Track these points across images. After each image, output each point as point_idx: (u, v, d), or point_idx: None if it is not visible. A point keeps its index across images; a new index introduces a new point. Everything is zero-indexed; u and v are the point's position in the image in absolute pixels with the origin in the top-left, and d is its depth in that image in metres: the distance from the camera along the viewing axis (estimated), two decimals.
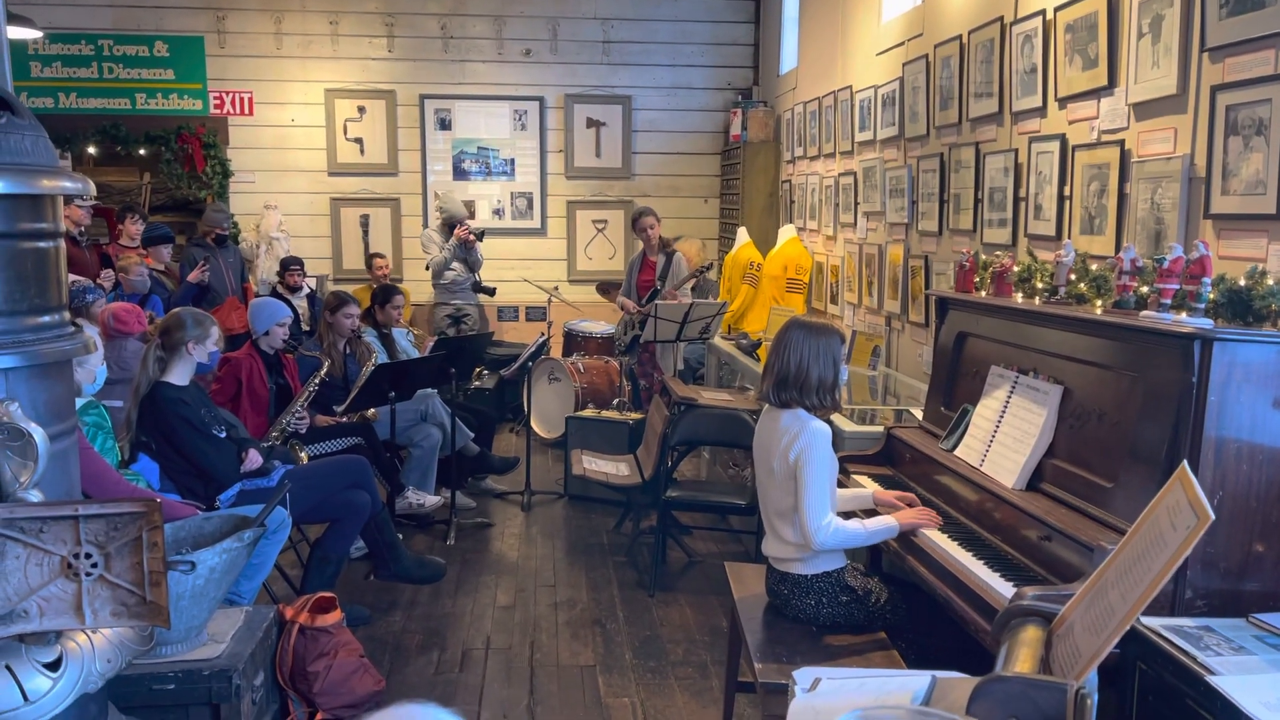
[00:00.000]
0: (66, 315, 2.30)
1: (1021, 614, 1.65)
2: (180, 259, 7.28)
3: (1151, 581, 1.26)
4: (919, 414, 3.91)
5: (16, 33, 6.44)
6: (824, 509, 2.85)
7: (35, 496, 2.07)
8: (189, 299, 6.40)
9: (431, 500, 5.43)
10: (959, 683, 1.48)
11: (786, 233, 7.23)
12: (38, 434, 2.04)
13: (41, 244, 2.18)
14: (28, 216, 2.13)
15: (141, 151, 8.64)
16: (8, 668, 2.04)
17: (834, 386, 2.98)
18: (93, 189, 2.31)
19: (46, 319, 2.19)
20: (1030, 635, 1.54)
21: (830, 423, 3.09)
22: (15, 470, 2.05)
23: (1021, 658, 1.44)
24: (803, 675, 1.93)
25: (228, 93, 8.64)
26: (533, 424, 6.96)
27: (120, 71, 8.50)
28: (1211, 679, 1.85)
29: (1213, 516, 1.23)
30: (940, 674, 1.56)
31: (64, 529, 2.04)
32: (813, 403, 2.97)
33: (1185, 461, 1.43)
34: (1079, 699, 1.22)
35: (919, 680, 1.51)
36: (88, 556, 2.04)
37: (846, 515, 3.07)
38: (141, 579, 2.07)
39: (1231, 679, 1.85)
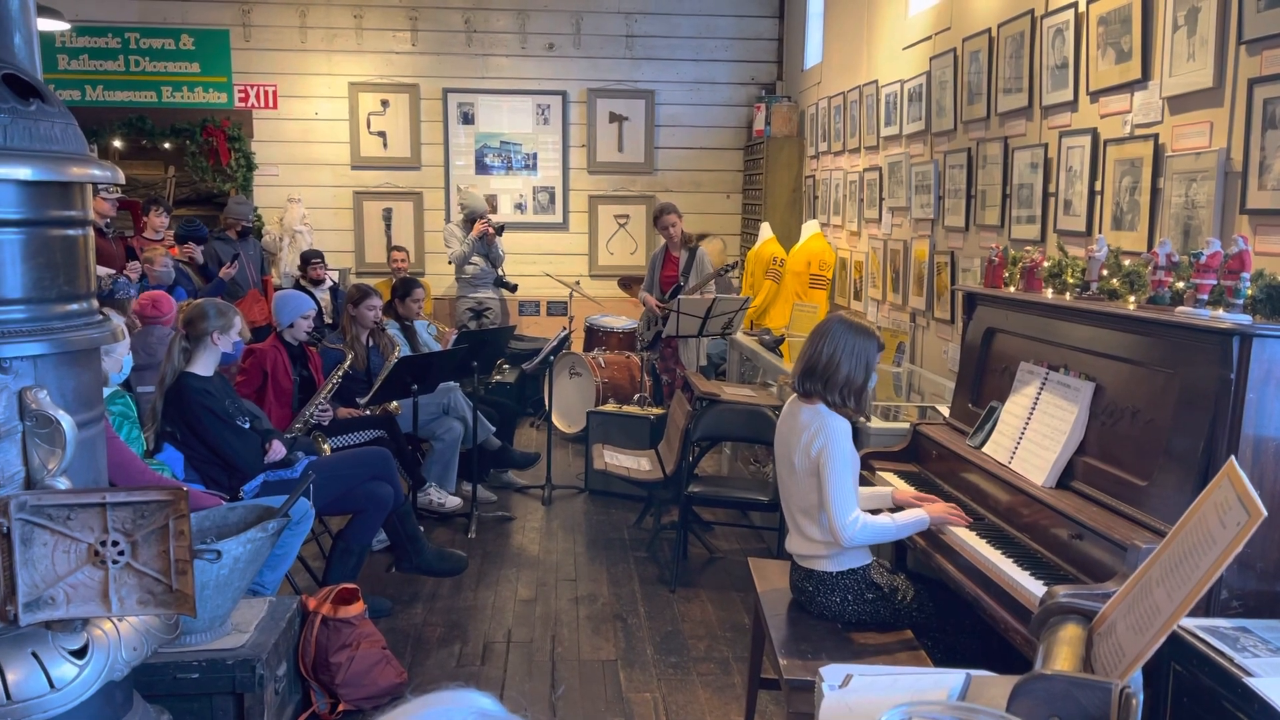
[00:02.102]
0: (94, 303, 2.30)
1: (1061, 611, 1.62)
2: (205, 251, 7.31)
3: (1200, 579, 1.23)
4: (944, 411, 3.87)
5: (44, 25, 6.48)
6: (850, 504, 2.82)
7: (63, 484, 2.07)
8: (217, 295, 6.43)
9: (452, 502, 5.43)
10: (994, 681, 1.45)
11: (810, 228, 7.18)
12: (66, 421, 2.04)
13: (70, 232, 2.18)
14: (57, 204, 2.13)
15: (166, 145, 8.70)
16: (34, 655, 2.04)
17: (861, 389, 2.94)
18: (121, 177, 2.31)
19: (75, 307, 2.19)
20: (1070, 633, 1.51)
21: (854, 422, 3.05)
22: (43, 457, 2.06)
23: (1062, 656, 1.41)
24: (831, 672, 1.90)
25: (252, 86, 8.67)
26: (553, 418, 6.95)
27: (146, 64, 8.55)
28: (1249, 681, 1.81)
29: (1265, 513, 1.20)
30: (974, 672, 1.53)
31: (91, 516, 2.04)
32: (835, 399, 2.93)
33: (1233, 458, 1.40)
34: (1124, 698, 1.19)
35: (953, 678, 1.48)
36: (115, 544, 2.04)
37: (869, 513, 3.03)
38: (168, 567, 2.07)
39: (1270, 680, 1.81)
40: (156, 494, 2.07)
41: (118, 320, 2.43)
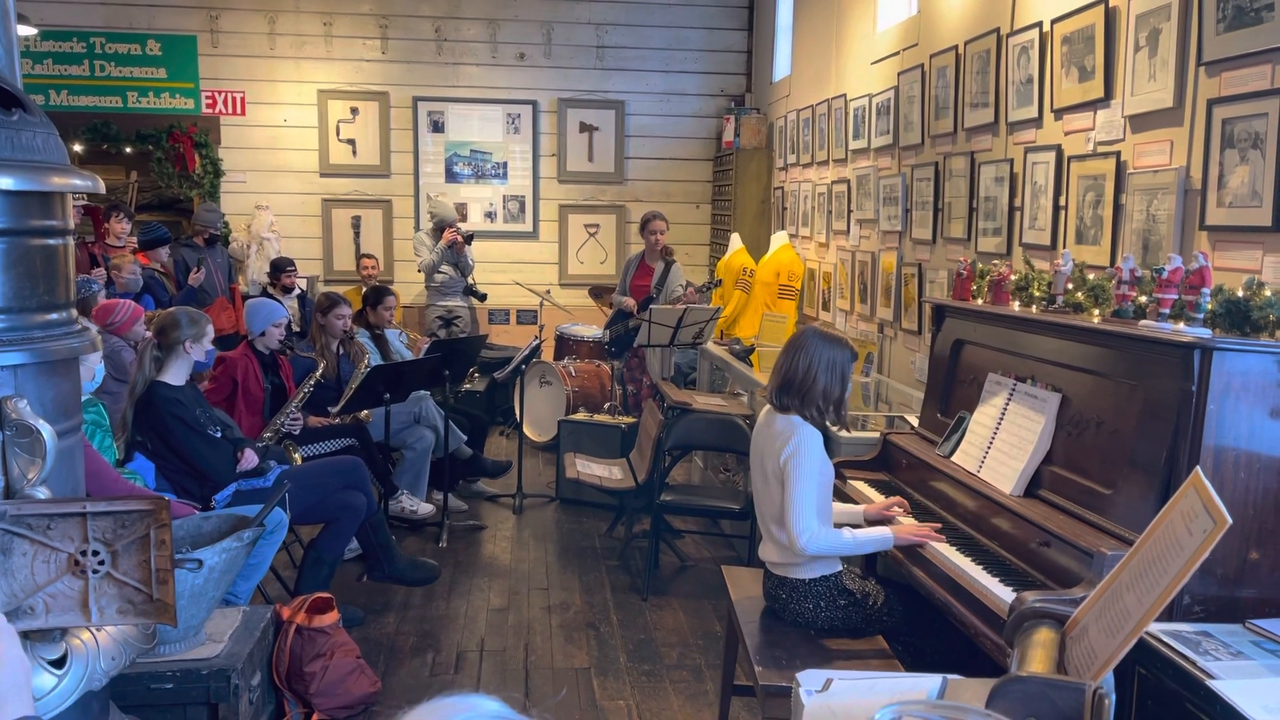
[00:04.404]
0: (73, 312, 2.30)
1: (1034, 616, 1.67)
2: (172, 258, 7.26)
3: (1169, 585, 1.29)
4: (912, 420, 3.94)
5: None
6: (809, 514, 2.84)
7: (43, 493, 2.07)
8: (188, 302, 6.38)
9: (424, 509, 5.43)
10: (970, 684, 1.50)
11: (779, 239, 7.26)
12: (46, 431, 2.04)
13: (51, 241, 2.18)
14: (38, 213, 2.13)
15: (128, 150, 8.60)
16: None
17: (838, 402, 2.98)
18: (102, 186, 2.31)
19: (54, 316, 2.18)
20: (1044, 637, 1.56)
21: (826, 430, 3.09)
22: (23, 467, 2.05)
23: (1037, 658, 1.46)
24: (809, 677, 1.94)
25: (220, 92, 8.61)
26: (524, 427, 6.96)
27: (112, 69, 8.47)
28: (1212, 683, 1.87)
29: (1230, 520, 1.26)
30: (950, 676, 1.58)
31: (71, 526, 2.04)
32: (812, 414, 2.96)
33: (1198, 467, 1.46)
34: (1097, 699, 1.24)
35: (930, 681, 1.53)
36: (95, 554, 2.04)
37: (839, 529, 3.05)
38: (149, 577, 2.07)
39: (1232, 683, 1.87)
40: (137, 504, 2.07)
41: (95, 329, 2.42)
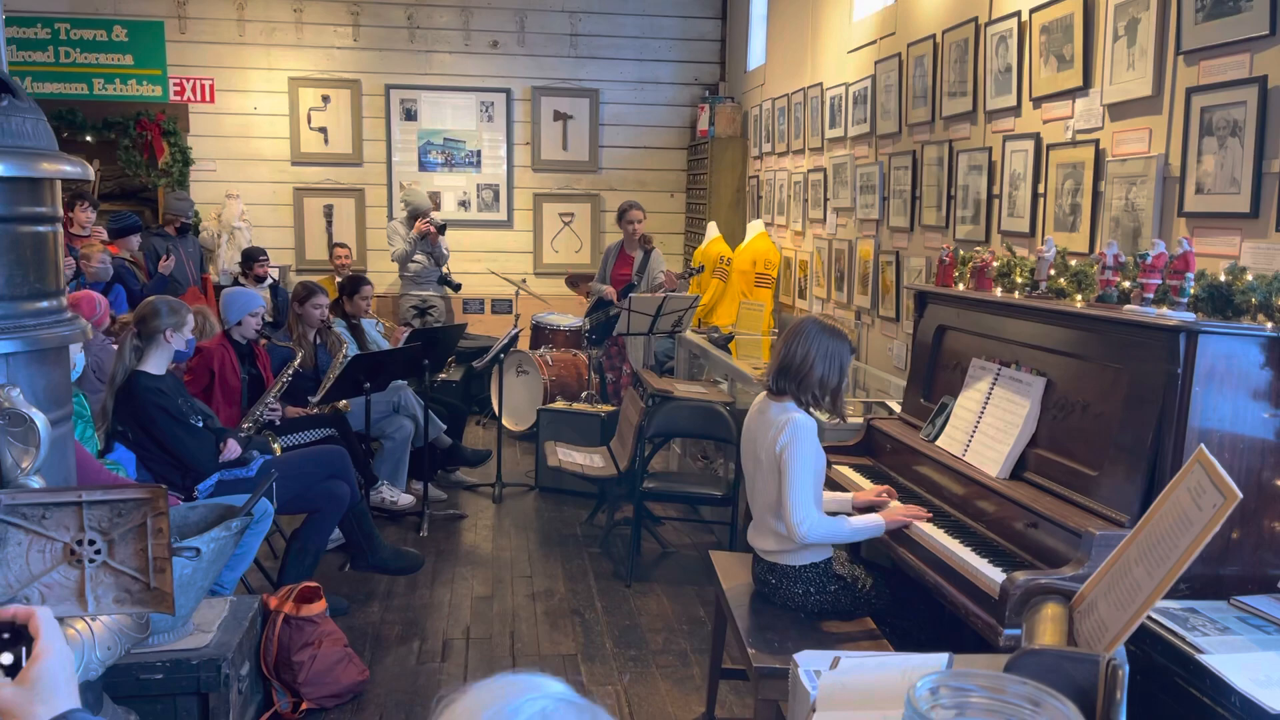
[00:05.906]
0: (64, 300, 2.27)
1: (1041, 592, 1.70)
2: (142, 248, 7.16)
3: (1180, 557, 1.32)
4: (892, 405, 3.98)
5: None
6: (808, 503, 2.88)
7: (36, 483, 2.05)
8: (160, 291, 6.30)
9: (405, 500, 5.41)
10: (975, 660, 1.53)
11: (755, 228, 7.28)
12: (39, 419, 2.02)
13: (40, 228, 2.15)
14: (27, 200, 2.10)
15: (89, 138, 8.44)
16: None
17: (835, 391, 3.00)
18: (91, 173, 2.29)
19: (45, 304, 2.16)
20: (1052, 611, 1.59)
21: (812, 415, 3.11)
22: (16, 456, 2.03)
23: (1049, 632, 1.50)
24: (807, 658, 1.97)
25: (188, 79, 8.49)
26: (501, 416, 6.94)
27: (77, 56, 8.32)
28: (1201, 658, 1.92)
29: (1240, 495, 1.29)
30: (955, 655, 1.61)
31: (67, 515, 2.02)
32: (807, 400, 2.99)
33: (1202, 445, 1.49)
34: (1111, 670, 1.27)
35: (937, 659, 1.56)
36: (91, 543, 2.02)
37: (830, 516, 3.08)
38: (146, 565, 2.05)
39: (1220, 657, 1.92)
40: (134, 492, 2.05)
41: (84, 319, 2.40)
